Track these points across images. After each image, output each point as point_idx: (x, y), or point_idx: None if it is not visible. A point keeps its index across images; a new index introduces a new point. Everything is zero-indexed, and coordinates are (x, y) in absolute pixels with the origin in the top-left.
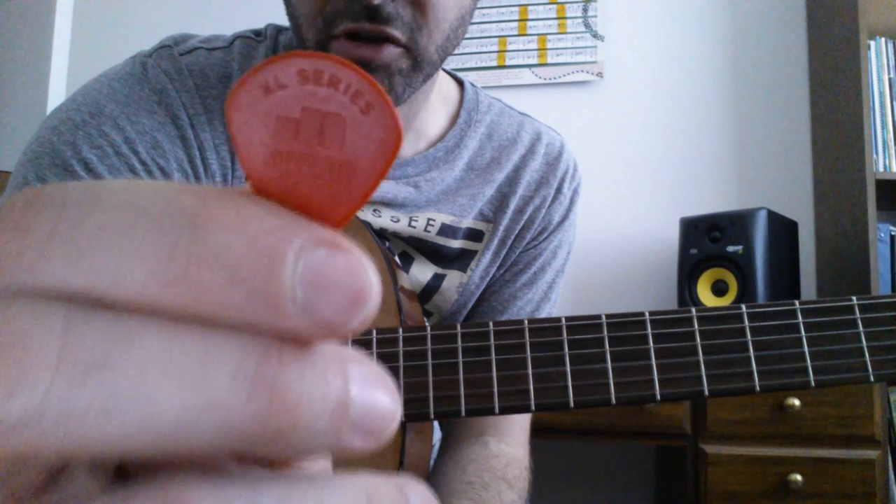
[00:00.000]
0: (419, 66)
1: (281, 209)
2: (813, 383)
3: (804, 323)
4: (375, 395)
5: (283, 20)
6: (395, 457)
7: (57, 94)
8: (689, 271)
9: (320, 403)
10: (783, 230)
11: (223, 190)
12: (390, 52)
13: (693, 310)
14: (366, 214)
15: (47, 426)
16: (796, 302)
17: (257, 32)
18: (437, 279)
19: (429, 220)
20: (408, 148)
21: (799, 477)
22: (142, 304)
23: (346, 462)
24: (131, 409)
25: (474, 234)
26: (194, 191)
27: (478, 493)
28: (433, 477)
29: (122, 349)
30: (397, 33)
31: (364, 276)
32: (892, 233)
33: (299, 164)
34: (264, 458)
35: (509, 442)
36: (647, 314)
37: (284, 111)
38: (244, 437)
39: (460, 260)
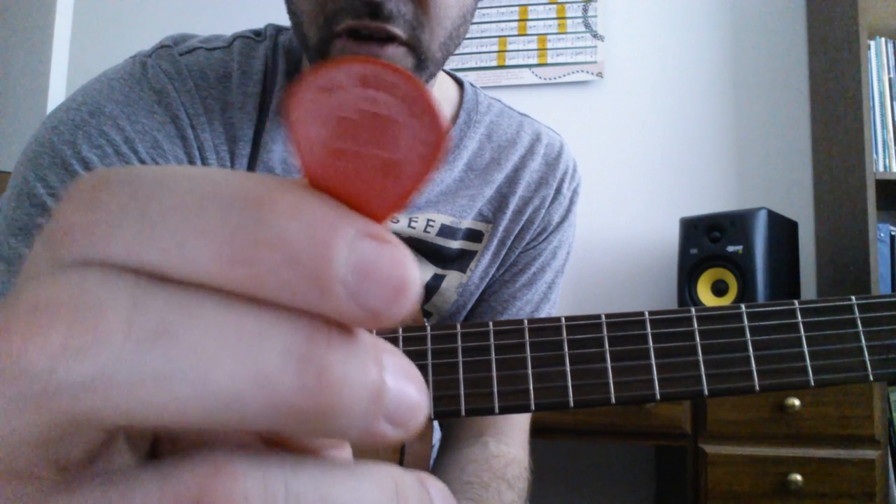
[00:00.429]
0: (423, 65)
1: (335, 201)
2: (812, 383)
3: (803, 322)
4: (407, 386)
5: (283, 20)
6: (395, 457)
7: (57, 94)
8: (689, 271)
9: (360, 388)
10: (783, 230)
11: (285, 180)
12: (394, 51)
13: (692, 309)
14: None
15: (112, 390)
16: (795, 301)
17: (257, 32)
18: (437, 279)
19: (428, 220)
20: None
21: (799, 477)
22: (204, 280)
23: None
24: (190, 379)
25: (474, 235)
26: (259, 178)
27: (477, 492)
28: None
29: (185, 320)
30: (399, 31)
31: (407, 268)
32: (892, 233)
33: (353, 162)
34: (300, 438)
35: (509, 442)
36: (646, 314)
37: (343, 112)
38: (289, 413)
39: (460, 260)
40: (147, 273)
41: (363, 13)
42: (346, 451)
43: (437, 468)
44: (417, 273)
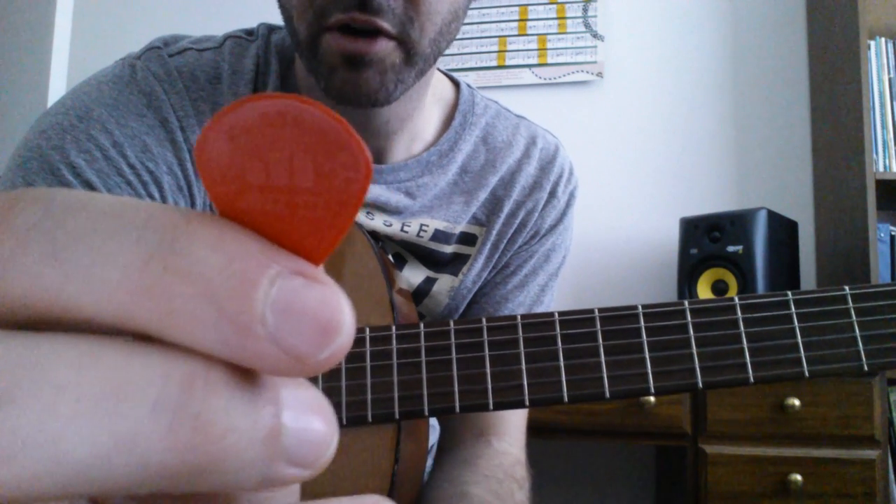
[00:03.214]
0: (411, 61)
1: (260, 237)
2: (807, 374)
3: (797, 314)
4: (311, 421)
5: (280, 20)
6: (391, 455)
7: (57, 94)
8: (689, 271)
9: (249, 433)
10: (783, 230)
11: (209, 214)
12: (383, 46)
13: (686, 302)
14: (359, 216)
15: None
16: (789, 293)
17: (249, 32)
18: (429, 282)
19: (422, 225)
20: (401, 152)
21: (799, 477)
22: (108, 310)
23: (336, 470)
24: (37, 449)
25: (467, 238)
26: (180, 209)
27: (493, 487)
28: (437, 472)
29: (31, 382)
30: (388, 26)
31: (337, 309)
32: (892, 233)
33: (273, 205)
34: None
35: (511, 442)
36: (639, 307)
37: (251, 154)
38: (165, 473)
39: (452, 264)
40: (44, 305)
41: (352, 7)
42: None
43: (441, 466)
44: (351, 316)
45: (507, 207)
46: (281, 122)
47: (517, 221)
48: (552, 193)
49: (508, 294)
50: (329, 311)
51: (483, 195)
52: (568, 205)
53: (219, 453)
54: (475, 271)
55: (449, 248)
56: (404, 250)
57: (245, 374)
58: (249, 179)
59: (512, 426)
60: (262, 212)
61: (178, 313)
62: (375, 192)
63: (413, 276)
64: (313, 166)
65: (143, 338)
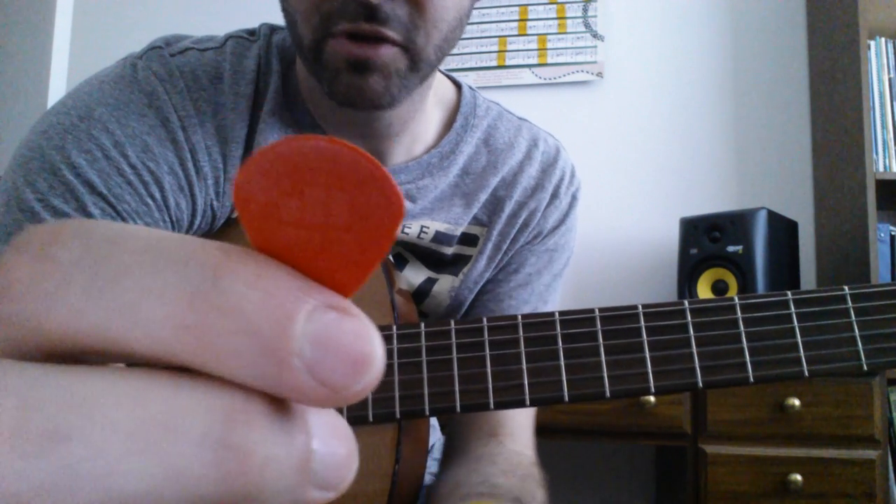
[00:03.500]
0: (416, 67)
1: (296, 272)
2: (807, 373)
3: (797, 313)
4: (336, 445)
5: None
6: (391, 455)
7: (57, 93)
8: (689, 271)
9: (285, 461)
10: (783, 230)
11: (245, 249)
12: (388, 52)
13: (686, 302)
14: None
15: None
16: (788, 293)
17: (251, 32)
18: (429, 283)
19: (422, 227)
20: (401, 154)
21: (799, 477)
22: (152, 346)
23: None
24: (92, 483)
25: (468, 239)
26: (217, 245)
27: (516, 482)
28: (455, 469)
29: (83, 416)
30: (394, 34)
31: (370, 343)
32: (892, 233)
33: (307, 239)
34: None
35: (523, 444)
36: (640, 307)
37: (289, 189)
38: (211, 501)
39: (454, 265)
40: (88, 339)
41: (359, 15)
42: None
43: (459, 462)
44: (381, 347)
45: (509, 208)
46: (318, 161)
47: (519, 222)
48: (554, 195)
49: (512, 291)
50: (362, 344)
51: (484, 196)
52: (571, 206)
53: (259, 481)
54: (477, 271)
55: (450, 250)
56: (405, 251)
57: (279, 403)
58: (286, 216)
59: (521, 428)
60: (297, 247)
61: (219, 348)
62: None
63: (414, 276)
64: (348, 205)
65: (181, 369)
